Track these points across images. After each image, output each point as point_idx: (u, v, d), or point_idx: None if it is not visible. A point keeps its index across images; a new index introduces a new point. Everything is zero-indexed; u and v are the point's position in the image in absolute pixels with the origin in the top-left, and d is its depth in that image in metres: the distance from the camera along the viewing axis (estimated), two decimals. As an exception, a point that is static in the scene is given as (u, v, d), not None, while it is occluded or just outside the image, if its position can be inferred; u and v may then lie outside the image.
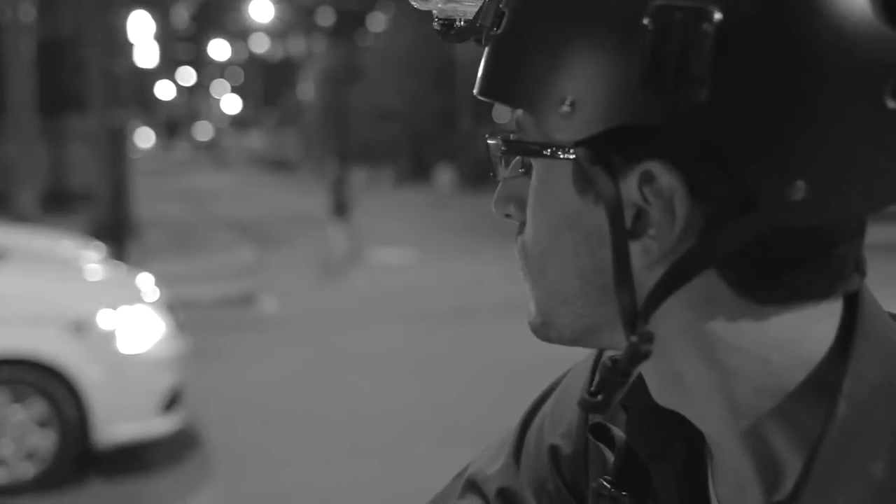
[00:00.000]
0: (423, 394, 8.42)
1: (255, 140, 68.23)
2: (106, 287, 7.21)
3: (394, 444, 7.10)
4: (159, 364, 6.57)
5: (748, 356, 0.75)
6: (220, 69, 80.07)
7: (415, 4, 0.85)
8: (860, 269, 0.77)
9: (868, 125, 0.69)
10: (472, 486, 1.02)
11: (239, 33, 66.42)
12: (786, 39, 0.68)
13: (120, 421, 6.39)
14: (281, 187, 40.97)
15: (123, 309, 6.57)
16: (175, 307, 7.29)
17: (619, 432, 0.88)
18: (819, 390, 0.75)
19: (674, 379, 0.79)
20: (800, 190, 0.69)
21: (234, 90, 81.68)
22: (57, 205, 20.75)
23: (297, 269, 16.40)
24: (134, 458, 6.74)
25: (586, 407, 0.76)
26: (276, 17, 54.84)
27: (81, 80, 19.84)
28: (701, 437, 0.83)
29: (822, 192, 0.69)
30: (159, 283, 7.72)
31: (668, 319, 0.75)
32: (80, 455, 6.37)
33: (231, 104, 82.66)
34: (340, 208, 16.66)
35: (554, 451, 0.97)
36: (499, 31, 0.78)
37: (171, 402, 6.63)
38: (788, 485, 0.75)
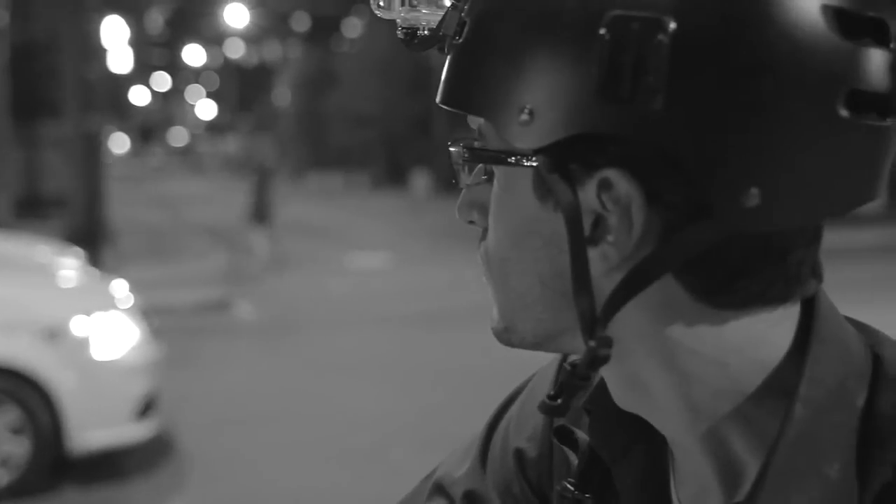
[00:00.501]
0: (399, 398, 8.42)
1: (231, 145, 68.05)
2: (79, 293, 7.14)
3: (369, 448, 7.09)
4: (133, 370, 6.53)
5: (707, 360, 0.76)
6: (195, 74, 79.82)
7: (378, 13, 0.86)
8: (817, 274, 0.78)
9: (821, 134, 0.70)
10: (440, 489, 1.03)
11: (214, 38, 66.22)
12: (739, 49, 0.69)
13: (94, 427, 6.34)
14: (256, 192, 40.82)
15: (97, 315, 6.51)
16: (149, 313, 7.25)
17: (582, 435, 0.89)
18: (777, 393, 0.76)
19: (634, 383, 0.80)
20: (754, 197, 0.70)
21: (209, 95, 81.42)
22: (31, 210, 20.64)
23: (273, 273, 16.36)
24: (108, 465, 6.72)
25: (546, 410, 0.77)
26: (252, 23, 54.71)
27: (55, 85, 19.74)
28: (663, 440, 0.84)
29: (776, 199, 0.70)
30: (134, 288, 7.69)
31: (628, 324, 0.76)
32: (53, 462, 6.33)
33: (206, 110, 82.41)
34: (261, 214, 16.58)
35: (519, 454, 0.98)
36: (460, 41, 0.78)
37: (146, 408, 6.59)
38: (747, 486, 0.76)
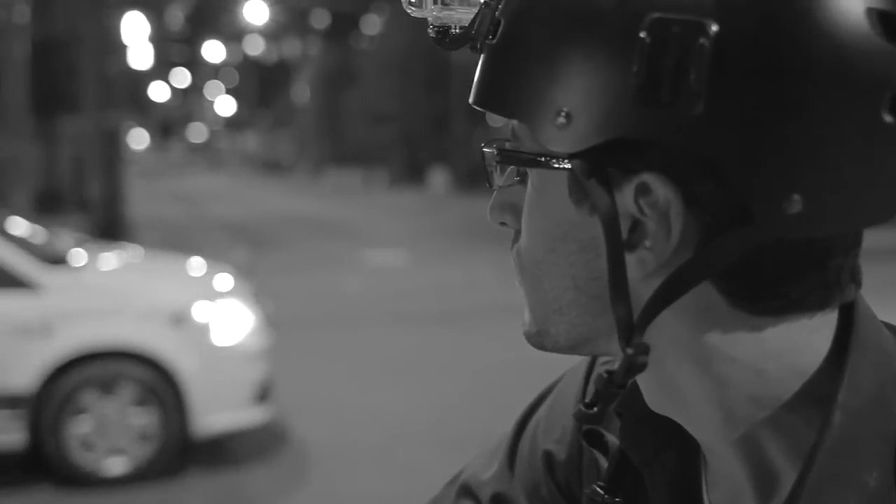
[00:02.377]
0: (414, 397, 8.42)
1: (249, 142, 68.22)
2: (199, 281, 7.45)
3: (381, 446, 7.09)
4: (251, 356, 6.73)
5: (743, 366, 0.75)
6: (215, 71, 79.96)
7: (410, 12, 0.85)
8: (856, 280, 0.77)
9: (865, 139, 0.69)
10: (467, 491, 1.02)
11: (233, 35, 66.35)
12: (782, 53, 0.68)
13: (217, 412, 6.54)
14: (275, 189, 40.96)
15: (218, 302, 6.79)
16: (261, 300, 7.50)
17: (612, 438, 0.88)
18: (814, 401, 0.75)
19: (669, 388, 0.79)
20: (796, 203, 0.69)
21: (229, 92, 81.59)
22: (50, 206, 20.72)
23: (291, 271, 16.38)
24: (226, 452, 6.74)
25: (582, 419, 0.76)
26: (271, 19, 54.79)
27: (75, 81, 19.82)
28: (695, 444, 0.83)
29: (817, 205, 0.69)
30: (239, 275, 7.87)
31: (664, 330, 0.75)
32: (181, 445, 6.53)
33: (225, 106, 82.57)
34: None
35: (548, 456, 0.97)
36: (494, 41, 0.77)
37: (264, 393, 6.77)
38: (783, 494, 0.76)
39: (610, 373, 0.75)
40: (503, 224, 0.84)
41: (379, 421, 7.73)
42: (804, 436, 0.75)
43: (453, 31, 0.83)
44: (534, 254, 0.80)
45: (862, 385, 0.74)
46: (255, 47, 68.52)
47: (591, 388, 0.94)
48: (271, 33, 62.87)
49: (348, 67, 46.84)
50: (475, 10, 0.81)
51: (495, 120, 0.81)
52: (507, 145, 0.80)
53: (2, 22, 16.38)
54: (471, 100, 0.80)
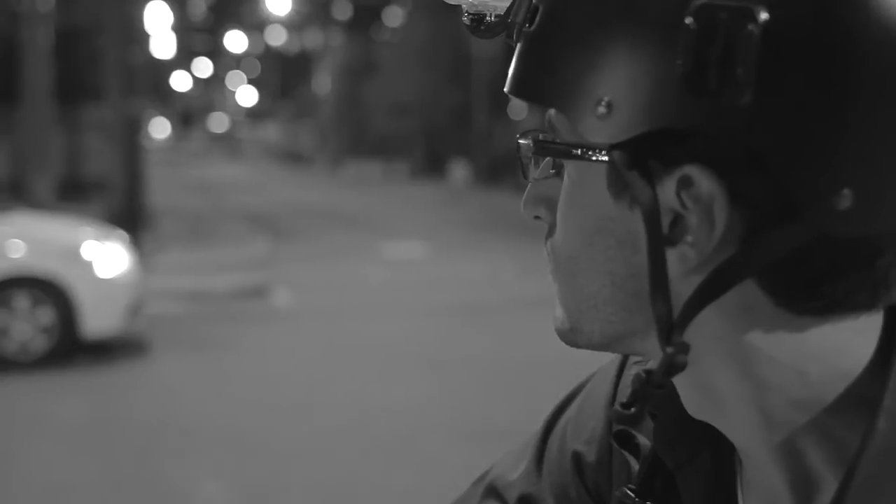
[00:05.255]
0: (434, 389, 8.41)
1: (270, 132, 68.28)
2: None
3: (402, 438, 7.08)
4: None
5: (785, 368, 0.73)
6: (237, 61, 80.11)
7: (446, -1, 0.83)
8: None
9: None
10: (493, 492, 0.99)
11: (256, 25, 66.46)
12: (836, 41, 0.66)
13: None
14: (295, 180, 41.00)
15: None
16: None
17: (644, 440, 0.86)
18: (858, 405, 0.72)
19: (707, 389, 0.76)
20: (846, 198, 0.66)
21: (250, 82, 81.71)
22: (72, 193, 20.80)
23: (311, 262, 16.39)
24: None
25: (619, 419, 0.74)
26: (293, 10, 54.88)
27: (98, 69, 19.88)
28: (730, 448, 0.80)
29: (868, 201, 0.67)
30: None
31: (703, 329, 0.73)
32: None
33: (247, 96, 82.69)
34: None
35: (577, 457, 0.94)
36: (532, 28, 0.75)
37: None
38: (823, 501, 0.73)
39: (648, 372, 0.72)
40: (537, 218, 0.82)
41: (399, 413, 7.72)
42: (847, 441, 0.72)
43: (489, 18, 0.81)
44: (569, 248, 0.77)
45: None
46: (277, 38, 68.62)
47: (623, 388, 0.92)
48: (293, 24, 62.95)
49: (370, 59, 46.80)
50: None
51: (517, 111, 0.78)
52: (543, 136, 0.77)
53: (26, 10, 16.42)
54: (506, 89, 0.77)
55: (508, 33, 0.78)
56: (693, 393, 0.78)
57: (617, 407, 0.74)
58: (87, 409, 7.96)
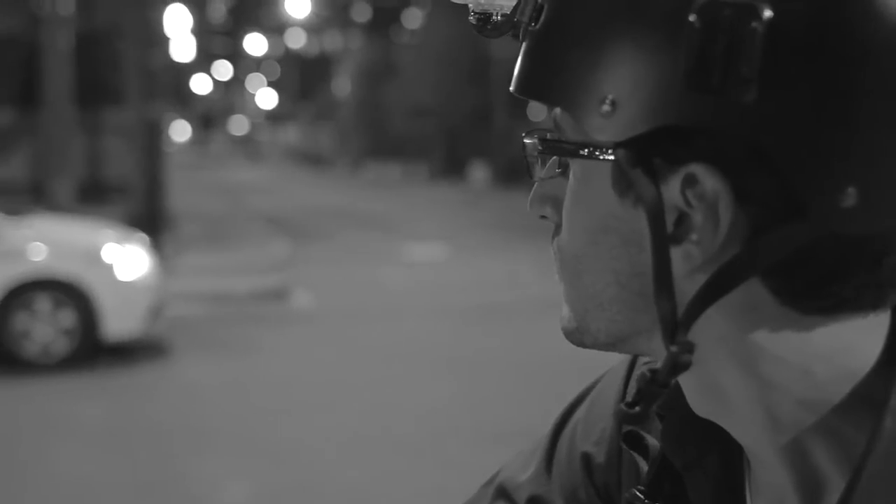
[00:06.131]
0: (455, 390, 8.40)
1: (290, 135, 68.38)
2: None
3: (424, 440, 7.08)
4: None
5: (791, 368, 0.72)
6: (256, 63, 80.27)
7: (452, -1, 0.83)
8: None
9: None
10: (503, 493, 0.99)
11: (275, 28, 66.57)
12: (841, 38, 0.66)
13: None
14: (316, 182, 41.06)
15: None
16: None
17: (653, 441, 0.85)
18: (865, 405, 0.72)
19: (713, 389, 0.76)
20: (851, 197, 0.66)
21: (270, 85, 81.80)
22: (93, 196, 20.86)
23: (331, 264, 16.41)
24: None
25: (624, 419, 0.74)
26: (313, 13, 54.98)
27: (118, 73, 19.94)
28: (739, 448, 0.80)
29: (874, 199, 0.66)
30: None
31: (709, 328, 0.72)
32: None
33: (266, 98, 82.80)
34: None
35: (586, 458, 0.94)
36: (537, 27, 0.75)
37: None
38: (831, 501, 0.73)
39: (653, 371, 0.72)
40: (543, 217, 0.82)
41: (420, 415, 7.72)
42: (854, 442, 0.72)
43: (495, 18, 0.81)
44: (575, 247, 0.77)
45: None
46: (296, 40, 68.72)
47: (632, 389, 0.91)
48: (313, 26, 63.04)
49: (389, 61, 46.85)
50: None
51: (536, 112, 0.78)
52: (549, 135, 0.77)
53: (46, 14, 16.49)
54: (512, 88, 0.77)
55: (515, 32, 0.78)
56: (699, 393, 0.78)
57: (622, 406, 0.73)
58: (107, 410, 8.00)
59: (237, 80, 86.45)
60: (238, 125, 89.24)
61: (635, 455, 0.88)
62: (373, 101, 47.16)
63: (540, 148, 0.77)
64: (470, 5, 0.82)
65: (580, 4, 0.73)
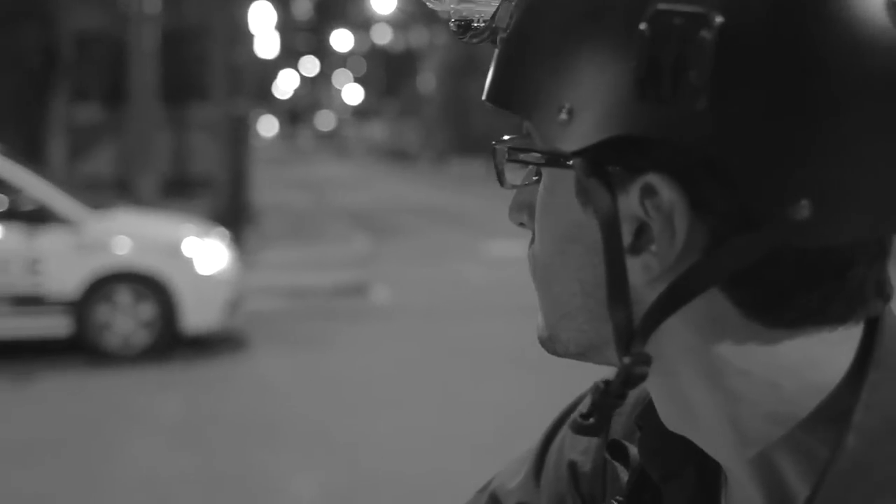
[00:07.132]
0: (529, 390, 8.37)
1: (376, 130, 68.71)
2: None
3: (497, 439, 7.07)
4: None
5: (757, 381, 0.71)
6: (343, 59, 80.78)
7: (429, 5, 0.83)
8: (883, 293, 0.72)
9: (882, 142, 0.65)
10: (494, 499, 0.99)
11: (361, 24, 66.93)
12: (793, 48, 0.64)
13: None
14: (400, 178, 41.24)
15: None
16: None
17: (635, 451, 0.85)
18: (831, 420, 0.70)
19: (681, 403, 0.75)
20: (804, 209, 0.64)
21: (356, 80, 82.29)
22: (178, 191, 21.18)
23: (412, 260, 16.46)
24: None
25: (578, 430, 0.72)
26: (398, 9, 55.17)
27: (204, 70, 20.22)
28: (716, 462, 0.79)
29: (828, 211, 0.65)
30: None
31: (673, 339, 0.71)
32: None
33: (352, 94, 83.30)
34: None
35: (573, 467, 0.94)
36: (506, 34, 0.75)
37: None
38: None
39: (606, 382, 0.71)
40: (522, 224, 0.81)
41: (494, 413, 7.71)
42: (819, 457, 0.70)
43: (476, 24, 0.80)
44: (545, 256, 0.77)
45: (881, 405, 0.69)
46: (382, 36, 69.03)
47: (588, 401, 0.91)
48: (398, 22, 63.25)
49: (474, 57, 46.85)
50: (496, 4, 0.78)
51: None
52: (518, 143, 0.77)
53: (133, 13, 16.77)
54: (483, 96, 0.77)
55: (492, 39, 0.78)
56: (669, 406, 0.77)
57: (577, 417, 0.72)
58: (184, 402, 8.12)
59: (324, 76, 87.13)
60: (324, 121, 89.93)
61: (618, 465, 0.87)
62: (457, 97, 47.21)
63: (507, 156, 0.77)
64: (449, 12, 0.81)
65: (542, 12, 0.72)
